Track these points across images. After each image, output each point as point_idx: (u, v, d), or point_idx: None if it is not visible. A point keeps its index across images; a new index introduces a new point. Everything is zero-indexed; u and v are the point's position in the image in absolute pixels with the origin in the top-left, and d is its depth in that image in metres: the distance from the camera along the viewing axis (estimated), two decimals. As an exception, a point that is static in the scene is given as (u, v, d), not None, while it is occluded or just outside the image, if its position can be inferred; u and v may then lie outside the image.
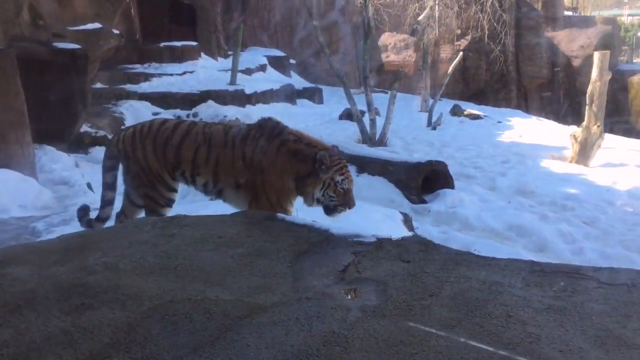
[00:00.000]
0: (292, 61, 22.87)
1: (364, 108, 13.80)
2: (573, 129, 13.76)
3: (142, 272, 2.61)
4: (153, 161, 4.12)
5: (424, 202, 8.13)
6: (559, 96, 26.50)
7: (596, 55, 12.46)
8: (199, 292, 2.40)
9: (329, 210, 3.99)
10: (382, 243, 3.09)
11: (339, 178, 3.93)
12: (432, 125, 17.05)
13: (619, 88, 26.42)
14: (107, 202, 4.39)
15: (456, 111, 19.53)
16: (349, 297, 2.42)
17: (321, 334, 2.07)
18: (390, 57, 26.64)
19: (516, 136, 16.26)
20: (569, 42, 27.08)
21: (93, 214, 4.53)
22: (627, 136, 19.29)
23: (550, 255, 6.43)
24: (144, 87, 15.13)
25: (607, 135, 14.09)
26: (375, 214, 5.87)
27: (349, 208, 4.01)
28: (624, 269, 2.74)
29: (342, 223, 3.81)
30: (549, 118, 21.82)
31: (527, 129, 17.76)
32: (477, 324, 2.17)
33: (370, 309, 2.28)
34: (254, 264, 2.73)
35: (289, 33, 24.61)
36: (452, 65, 18.25)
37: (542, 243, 6.81)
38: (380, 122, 13.81)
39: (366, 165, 8.57)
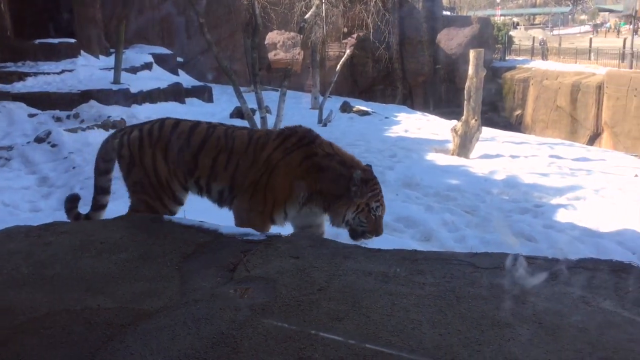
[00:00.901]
0: (179, 59, 22.31)
1: (255, 106, 13.74)
2: (454, 123, 14.51)
3: (14, 285, 2.44)
4: (163, 168, 3.74)
5: (316, 197, 8.22)
6: (440, 92, 27.87)
7: (472, 53, 13.20)
8: (79, 302, 2.28)
9: (356, 235, 3.72)
10: (271, 240, 3.10)
11: (374, 205, 3.67)
12: (322, 122, 17.32)
13: (494, 84, 28.25)
14: (99, 207, 3.98)
15: (346, 108, 19.96)
16: (238, 296, 2.40)
17: (209, 336, 2.03)
18: (279, 55, 26.75)
19: (402, 131, 16.91)
20: (448, 41, 28.54)
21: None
22: (502, 129, 20.68)
23: (435, 244, 6.74)
24: (18, 86, 14.09)
25: (485, 129, 15.02)
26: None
27: (377, 235, 3.77)
28: (497, 253, 2.92)
29: (231, 222, 3.78)
30: (432, 113, 22.89)
31: (412, 124, 18.53)
32: (364, 314, 2.23)
33: (259, 308, 2.27)
34: (138, 269, 2.63)
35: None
36: (340, 62, 18.63)
37: (427, 232, 7.12)
38: (271, 119, 13.81)
39: (257, 163, 8.53)
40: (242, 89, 13.93)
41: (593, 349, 1.95)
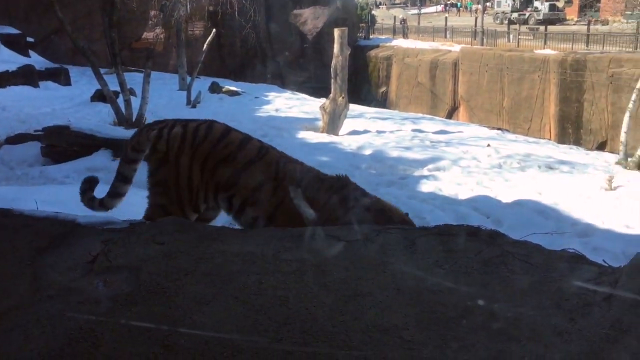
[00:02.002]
0: (29, 39, 20.62)
1: (118, 88, 13.10)
2: (323, 101, 14.79)
3: None
4: (197, 174, 3.43)
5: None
6: (309, 70, 28.23)
7: (336, 32, 13.49)
8: None
9: None
10: (135, 227, 2.98)
11: None
12: (191, 103, 16.93)
13: (359, 62, 29.11)
14: (116, 194, 3.59)
15: (215, 88, 19.66)
16: (99, 288, 2.29)
17: (66, 333, 1.93)
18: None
19: (273, 110, 16.97)
20: (314, 19, 28.91)
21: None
22: (369, 105, 21.42)
23: (308, 221, 6.87)
24: None
25: (352, 105, 15.47)
26: (133, 198, 5.65)
27: None
28: (361, 225, 3.04)
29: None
30: (302, 91, 23.14)
31: (283, 103, 18.66)
32: (232, 295, 2.22)
33: (121, 298, 2.19)
34: (-16, 269, 2.42)
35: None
36: (207, 42, 18.23)
37: (300, 210, 7.22)
38: (136, 102, 13.25)
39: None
40: (102, 70, 13.21)
41: (446, 309, 2.09)
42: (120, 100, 12.97)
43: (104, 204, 3.64)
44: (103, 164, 8.54)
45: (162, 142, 3.48)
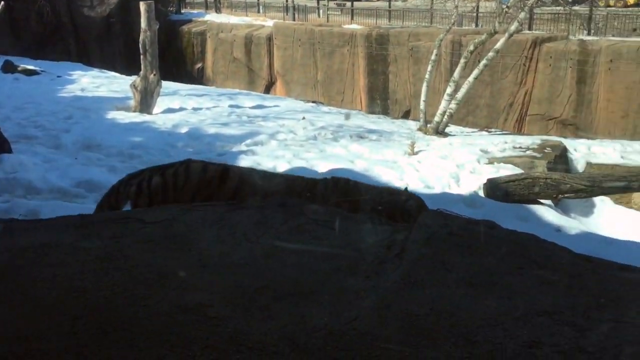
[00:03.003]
0: None
1: None
2: (133, 79, 14.07)
3: None
4: None
5: (-23, 172, 7.23)
6: (118, 46, 26.67)
7: (142, 6, 12.84)
8: None
9: None
10: None
11: None
12: (-20, 84, 15.12)
13: (172, 37, 28.15)
14: None
15: (9, 67, 17.82)
16: None
17: None
18: None
19: (78, 90, 15.81)
20: (119, -8, 27.25)
21: None
22: (184, 82, 20.90)
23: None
24: None
25: (167, 83, 14.95)
26: None
27: None
28: (167, 206, 2.95)
29: None
30: (110, 69, 21.83)
31: (89, 82, 17.46)
32: (20, 292, 2.03)
33: None
34: None
35: None
36: (-6, 16, 16.33)
37: (112, 194, 6.85)
38: None
39: None
40: None
41: (254, 280, 2.10)
42: None
43: None
44: None
45: (143, 197, 3.42)
